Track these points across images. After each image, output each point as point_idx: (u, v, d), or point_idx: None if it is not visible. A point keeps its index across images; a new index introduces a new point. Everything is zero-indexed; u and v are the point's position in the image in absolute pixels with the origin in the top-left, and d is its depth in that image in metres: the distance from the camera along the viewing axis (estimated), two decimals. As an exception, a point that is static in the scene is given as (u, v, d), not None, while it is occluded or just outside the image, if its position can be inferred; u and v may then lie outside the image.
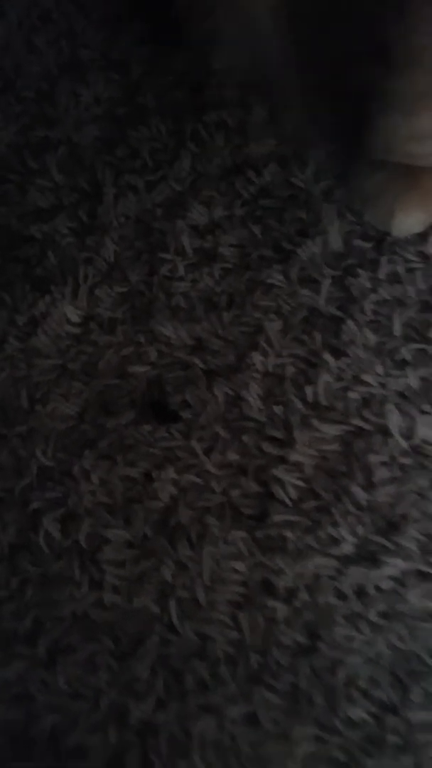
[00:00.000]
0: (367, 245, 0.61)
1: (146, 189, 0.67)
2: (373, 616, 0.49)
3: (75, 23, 0.77)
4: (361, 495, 0.52)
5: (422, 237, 0.60)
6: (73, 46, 0.76)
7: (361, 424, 0.55)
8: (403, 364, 0.57)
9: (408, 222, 0.61)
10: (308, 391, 0.56)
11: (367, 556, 0.51)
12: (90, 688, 0.50)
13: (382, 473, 0.53)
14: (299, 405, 0.56)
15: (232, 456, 0.55)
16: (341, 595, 0.50)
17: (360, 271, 0.60)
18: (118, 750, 0.48)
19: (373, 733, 0.46)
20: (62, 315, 0.62)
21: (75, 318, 0.62)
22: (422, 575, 0.50)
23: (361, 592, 0.50)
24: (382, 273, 0.60)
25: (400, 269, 0.60)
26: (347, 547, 0.51)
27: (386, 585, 0.50)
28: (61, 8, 0.79)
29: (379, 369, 0.56)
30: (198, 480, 0.55)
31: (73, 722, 0.49)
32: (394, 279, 0.60)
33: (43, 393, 0.60)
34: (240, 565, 0.51)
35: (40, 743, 0.49)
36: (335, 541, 0.51)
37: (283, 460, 0.54)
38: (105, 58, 0.75)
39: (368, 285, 0.59)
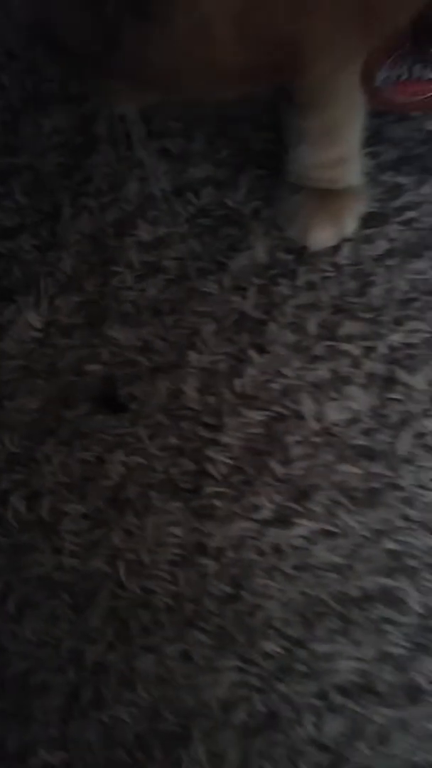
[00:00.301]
0: (289, 257, 0.72)
1: (99, 210, 0.77)
2: (286, 569, 0.59)
3: (37, 60, 0.88)
4: (279, 469, 0.63)
5: (334, 249, 0.71)
6: (36, 81, 0.87)
7: (280, 410, 0.65)
8: (316, 359, 0.67)
9: (321, 237, 0.71)
10: (237, 383, 0.67)
11: (282, 519, 0.61)
12: (52, 637, 0.60)
13: (297, 450, 0.64)
14: (229, 395, 0.67)
15: (172, 440, 0.66)
16: (261, 552, 0.60)
17: (282, 279, 0.71)
18: (75, 686, 0.58)
19: (284, 663, 0.57)
20: (26, 322, 0.72)
21: (37, 324, 0.72)
22: (327, 533, 0.60)
23: (277, 549, 0.60)
24: (301, 281, 0.71)
25: (316, 278, 0.71)
26: (266, 513, 0.61)
27: (298, 542, 0.60)
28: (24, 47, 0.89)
29: (296, 363, 0.67)
30: (143, 461, 0.65)
31: (38, 665, 0.59)
32: (311, 286, 0.70)
33: (10, 390, 0.70)
34: (178, 531, 0.62)
35: (10, 684, 0.59)
36: (256, 508, 0.62)
37: (215, 442, 0.65)
38: (63, 91, 0.86)
39: (288, 292, 0.70)
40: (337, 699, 0.55)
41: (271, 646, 0.57)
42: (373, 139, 0.72)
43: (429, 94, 0.54)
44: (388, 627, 0.57)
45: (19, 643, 0.60)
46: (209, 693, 0.56)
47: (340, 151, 0.68)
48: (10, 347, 0.71)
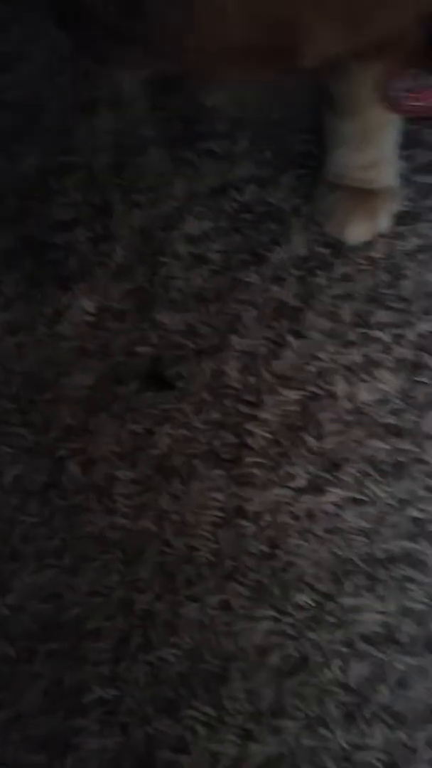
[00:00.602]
0: (326, 251, 0.80)
1: (149, 205, 0.86)
2: (318, 531, 0.67)
3: (90, 66, 0.96)
4: (313, 443, 0.70)
5: (369, 245, 0.79)
6: (89, 85, 0.95)
7: (315, 390, 0.73)
8: (349, 344, 0.75)
9: (357, 232, 0.78)
10: (275, 365, 0.74)
11: (316, 487, 0.69)
12: (104, 587, 0.67)
13: (330, 427, 0.71)
14: (268, 376, 0.74)
15: (215, 415, 0.73)
16: (295, 517, 0.68)
17: (319, 271, 0.78)
18: (125, 631, 0.66)
19: (315, 614, 0.64)
20: (81, 307, 0.80)
21: (91, 309, 0.80)
22: (356, 501, 0.68)
23: (310, 514, 0.68)
24: (337, 273, 0.78)
25: (351, 270, 0.78)
26: (300, 481, 0.69)
27: (329, 509, 0.68)
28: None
29: (331, 348, 0.75)
30: (188, 433, 0.72)
31: (91, 612, 0.67)
32: (346, 278, 0.78)
33: (66, 368, 0.78)
34: (219, 496, 0.69)
35: (66, 628, 0.67)
36: (292, 477, 0.69)
37: (254, 417, 0.72)
38: (114, 95, 0.94)
39: (325, 282, 0.78)
40: (362, 647, 0.63)
41: (303, 599, 0.65)
42: (408, 143, 0.80)
43: None
44: (409, 585, 0.64)
45: (74, 592, 0.67)
46: (246, 639, 0.64)
47: (375, 153, 0.76)
48: (66, 330, 0.79)
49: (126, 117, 0.92)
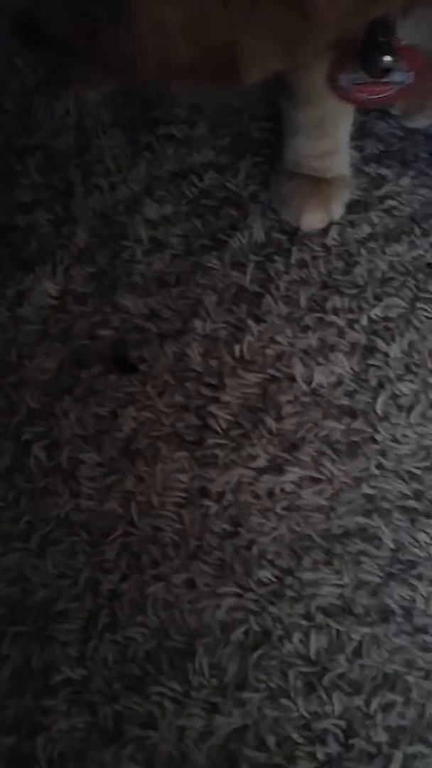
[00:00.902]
0: (283, 237, 0.80)
1: (110, 189, 0.85)
2: (278, 509, 0.68)
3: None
4: (272, 424, 0.72)
5: (324, 231, 0.80)
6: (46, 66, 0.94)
7: (274, 373, 0.74)
8: (306, 328, 0.76)
9: (312, 220, 0.79)
10: (236, 348, 0.75)
11: (275, 467, 0.70)
12: (71, 569, 0.67)
13: (288, 408, 0.72)
14: (229, 359, 0.75)
15: (178, 398, 0.74)
16: (256, 495, 0.69)
17: (276, 257, 0.79)
18: (92, 612, 0.67)
19: (276, 590, 0.66)
20: (44, 290, 0.79)
21: (53, 292, 0.80)
22: (314, 480, 0.69)
23: (270, 493, 0.69)
24: (294, 259, 0.79)
25: (307, 256, 0.79)
26: (261, 462, 0.70)
27: (288, 487, 0.69)
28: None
29: (289, 332, 0.76)
30: (152, 416, 0.73)
31: (58, 594, 0.67)
32: (302, 264, 0.79)
33: (29, 351, 0.77)
34: (183, 477, 0.70)
35: (33, 610, 0.67)
36: (253, 458, 0.70)
37: (216, 400, 0.73)
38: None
39: (282, 268, 0.79)
40: (321, 619, 0.65)
41: (264, 575, 0.66)
42: (359, 133, 0.81)
43: (383, 95, 0.63)
44: (364, 559, 0.67)
45: (42, 574, 0.68)
46: (211, 615, 0.65)
47: (329, 143, 0.77)
48: (29, 313, 0.78)
49: (86, 99, 0.91)
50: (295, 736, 0.62)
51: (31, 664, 0.65)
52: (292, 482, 0.70)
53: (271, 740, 0.61)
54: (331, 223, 0.80)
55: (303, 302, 0.77)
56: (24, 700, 0.63)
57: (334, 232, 0.80)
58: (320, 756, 0.61)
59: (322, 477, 0.70)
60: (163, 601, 0.66)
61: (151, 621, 0.65)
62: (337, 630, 0.64)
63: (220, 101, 0.88)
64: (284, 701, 0.63)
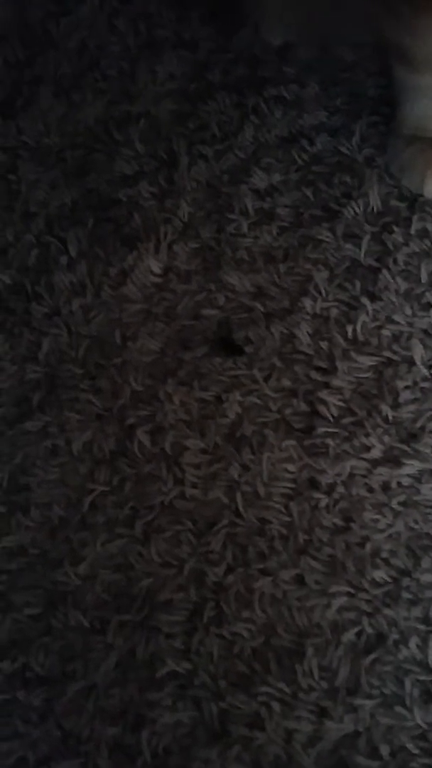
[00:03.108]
0: (402, 205, 0.75)
1: (215, 157, 0.82)
2: (394, 505, 0.65)
3: (149, 5, 0.91)
4: (388, 412, 0.67)
5: (449, 198, 0.74)
6: (149, 26, 0.91)
7: (391, 356, 0.70)
8: (427, 306, 0.71)
9: (437, 186, 0.74)
10: (349, 329, 0.71)
11: (392, 459, 0.66)
12: (176, 558, 0.66)
13: (406, 395, 0.68)
14: (341, 341, 0.71)
15: (286, 382, 0.71)
16: (370, 489, 0.65)
17: (395, 227, 0.74)
18: (197, 604, 0.65)
19: (391, 591, 0.62)
20: (147, 267, 0.78)
21: (157, 270, 0.78)
22: (434, 474, 0.66)
23: (386, 487, 0.65)
24: (414, 229, 0.74)
25: (429, 226, 0.73)
26: (376, 453, 0.66)
27: (405, 481, 0.65)
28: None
29: (408, 310, 0.71)
30: (258, 401, 0.70)
31: (163, 584, 0.66)
32: (424, 234, 0.73)
33: (132, 332, 0.76)
34: (291, 467, 0.67)
35: (138, 600, 0.66)
36: (367, 448, 0.67)
37: (327, 385, 0.70)
38: (177, 37, 0.89)
39: (401, 239, 0.73)
40: (441, 625, 0.61)
41: (379, 575, 0.63)
42: None
43: None
44: None
45: (146, 563, 0.67)
46: (321, 614, 0.62)
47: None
48: (132, 292, 0.77)
49: (189, 60, 0.87)
50: (410, 746, 0.58)
51: (135, 654, 0.64)
52: (409, 476, 0.65)
53: (384, 749, 0.59)
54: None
55: (424, 277, 0.71)
56: (129, 691, 0.63)
57: (460, 198, 0.74)
58: (437, 770, 0.58)
59: (444, 470, 0.65)
60: (270, 597, 0.64)
61: (258, 617, 0.63)
62: (459, 637, 0.61)
63: (332, 55, 0.82)
64: (399, 709, 0.59)
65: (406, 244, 0.73)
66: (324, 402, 0.69)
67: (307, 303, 0.72)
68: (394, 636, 0.61)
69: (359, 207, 0.75)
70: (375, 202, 0.75)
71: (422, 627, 0.61)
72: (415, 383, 0.68)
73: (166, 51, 0.88)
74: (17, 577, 0.67)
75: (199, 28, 0.88)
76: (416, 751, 0.58)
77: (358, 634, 0.62)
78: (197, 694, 0.62)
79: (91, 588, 0.66)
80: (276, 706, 0.60)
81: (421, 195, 0.74)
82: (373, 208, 0.75)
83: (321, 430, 0.68)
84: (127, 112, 0.86)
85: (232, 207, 0.78)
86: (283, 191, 0.78)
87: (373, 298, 0.71)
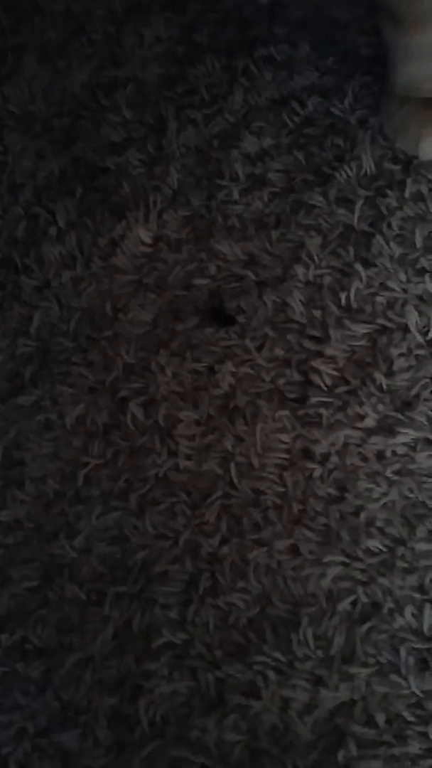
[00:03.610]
0: (396, 167, 0.73)
1: (204, 122, 0.80)
2: (389, 473, 0.64)
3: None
4: (382, 380, 0.67)
5: (444, 159, 0.73)
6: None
7: (385, 323, 0.69)
8: (422, 272, 0.70)
9: (432, 147, 0.73)
10: (342, 296, 0.70)
11: (386, 428, 0.66)
12: (171, 530, 0.66)
13: (400, 363, 0.67)
14: (334, 309, 0.70)
15: (279, 351, 0.70)
16: (364, 458, 0.65)
17: (389, 191, 0.73)
18: (193, 575, 0.66)
19: (386, 560, 0.62)
20: (137, 237, 0.77)
21: (147, 239, 0.77)
22: (429, 442, 0.64)
23: (380, 456, 0.65)
24: (408, 192, 0.72)
25: (424, 189, 0.72)
26: (370, 421, 0.66)
27: (400, 450, 0.65)
28: None
29: (402, 277, 0.70)
30: (251, 371, 0.70)
31: (158, 555, 0.66)
32: (418, 197, 0.72)
33: (123, 303, 0.75)
34: (285, 437, 0.67)
35: (133, 571, 0.67)
36: (361, 417, 0.66)
37: (320, 354, 0.69)
38: (163, -2, 0.87)
39: (395, 204, 0.72)
40: (436, 593, 0.61)
41: (374, 544, 0.63)
42: None
43: None
44: None
45: (141, 535, 0.67)
46: (316, 584, 0.63)
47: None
48: (122, 263, 0.76)
49: (177, 23, 0.85)
50: (406, 714, 0.59)
51: (132, 625, 0.65)
52: (404, 444, 0.65)
53: (380, 717, 0.59)
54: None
55: (419, 242, 0.70)
56: (126, 662, 0.64)
57: (454, 160, 0.72)
58: (433, 736, 0.58)
59: (438, 438, 0.65)
60: (265, 567, 0.64)
61: (253, 587, 0.64)
62: (454, 604, 0.61)
63: (324, 13, 0.80)
64: (395, 678, 0.60)
65: (400, 208, 0.72)
66: (317, 371, 0.68)
67: (300, 270, 0.71)
68: (389, 605, 0.61)
69: (352, 170, 0.74)
70: (368, 165, 0.74)
71: (417, 595, 0.61)
72: (410, 351, 0.67)
73: (152, 13, 0.86)
74: (14, 551, 0.68)
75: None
76: (412, 719, 0.59)
77: (353, 603, 0.62)
78: (193, 664, 0.62)
79: (87, 561, 0.66)
80: (272, 675, 0.61)
81: (416, 157, 0.73)
82: (366, 172, 0.74)
83: (314, 399, 0.67)
84: (114, 78, 0.84)
85: (223, 173, 0.77)
86: (275, 155, 0.76)
87: (367, 264, 0.70)
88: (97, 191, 0.79)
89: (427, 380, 0.66)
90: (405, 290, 0.69)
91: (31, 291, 0.76)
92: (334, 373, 0.68)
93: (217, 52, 0.82)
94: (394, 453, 0.65)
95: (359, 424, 0.66)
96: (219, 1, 0.84)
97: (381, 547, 0.63)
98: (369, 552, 0.63)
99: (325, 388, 0.68)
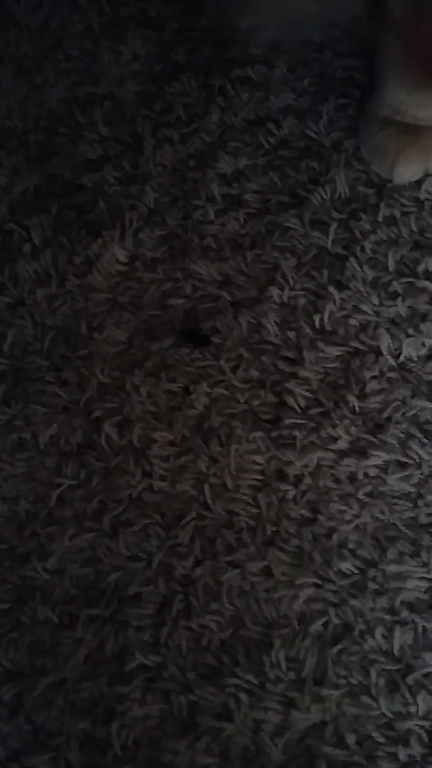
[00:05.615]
0: (370, 191, 0.76)
1: (180, 141, 0.82)
2: (361, 495, 0.66)
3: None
4: (355, 403, 0.69)
5: (417, 184, 0.74)
6: (113, 4, 0.90)
7: (358, 345, 0.71)
8: (394, 295, 0.72)
9: (407, 171, 0.74)
10: (316, 318, 0.72)
11: (358, 450, 0.67)
12: (144, 552, 0.67)
13: (373, 385, 0.69)
14: (308, 330, 0.72)
15: (253, 373, 0.71)
16: (337, 480, 0.67)
17: (362, 215, 0.74)
18: (166, 597, 0.67)
19: (358, 582, 0.64)
20: (112, 255, 0.78)
21: (123, 258, 0.78)
22: (400, 464, 0.67)
23: (352, 478, 0.67)
24: (381, 216, 0.74)
25: (397, 213, 0.74)
26: (343, 443, 0.68)
27: (372, 472, 0.67)
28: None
29: (375, 300, 0.72)
30: (226, 392, 0.71)
31: (131, 577, 0.67)
32: (391, 221, 0.74)
33: (98, 322, 0.76)
34: (259, 458, 0.68)
35: (106, 593, 0.68)
36: (334, 439, 0.68)
37: (294, 375, 0.71)
38: (142, 16, 0.88)
39: (368, 227, 0.74)
40: (406, 614, 0.63)
41: (345, 566, 0.65)
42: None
43: None
44: (455, 551, 0.64)
45: (114, 556, 0.68)
46: (288, 606, 0.64)
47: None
48: (97, 281, 0.77)
49: (154, 40, 0.87)
50: (376, 735, 0.61)
51: (105, 648, 0.66)
52: (376, 466, 0.67)
53: (350, 738, 0.61)
54: (426, 175, 0.74)
55: (391, 265, 0.72)
56: (98, 685, 0.65)
57: (429, 184, 0.74)
58: (402, 757, 0.60)
59: (410, 461, 0.67)
60: (238, 589, 0.65)
61: (226, 609, 0.65)
62: (423, 626, 0.63)
63: (301, 35, 0.82)
64: (365, 699, 0.62)
65: (374, 232, 0.74)
66: (291, 393, 0.70)
67: (275, 292, 0.73)
68: (360, 626, 0.63)
69: (326, 193, 0.76)
70: (342, 188, 0.75)
71: (388, 617, 0.63)
72: (382, 373, 0.69)
73: (130, 30, 0.87)
74: (-15, 573, 0.69)
75: (164, 7, 0.87)
76: (382, 740, 0.61)
77: (325, 625, 0.64)
78: (166, 686, 0.63)
79: (59, 582, 0.67)
80: (244, 697, 0.62)
81: (390, 181, 0.75)
82: (340, 195, 0.75)
83: (288, 421, 0.69)
84: (90, 94, 0.85)
85: (199, 193, 0.78)
86: (251, 176, 0.78)
87: (341, 287, 0.72)
88: (72, 209, 0.80)
89: (399, 403, 0.68)
90: (377, 313, 0.71)
91: (5, 308, 0.77)
92: (308, 394, 0.70)
93: (194, 70, 0.84)
94: (366, 475, 0.67)
95: (332, 446, 0.68)
96: (197, 20, 0.86)
97: (352, 568, 0.65)
98: (341, 574, 0.65)
99: (298, 410, 0.69)
